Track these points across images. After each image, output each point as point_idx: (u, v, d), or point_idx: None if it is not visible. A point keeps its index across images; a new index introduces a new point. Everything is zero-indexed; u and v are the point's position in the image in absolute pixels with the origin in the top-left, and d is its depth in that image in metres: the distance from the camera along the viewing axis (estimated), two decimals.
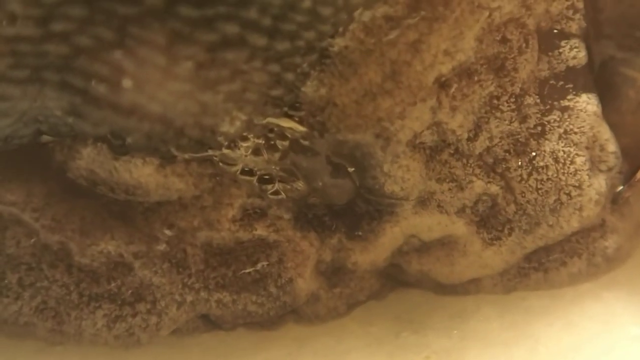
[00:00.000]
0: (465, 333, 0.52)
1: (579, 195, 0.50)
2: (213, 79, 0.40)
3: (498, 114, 0.49)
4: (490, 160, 0.49)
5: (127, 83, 0.39)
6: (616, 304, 0.53)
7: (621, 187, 0.53)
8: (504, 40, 0.48)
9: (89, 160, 0.44)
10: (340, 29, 0.43)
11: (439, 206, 0.49)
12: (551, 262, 0.53)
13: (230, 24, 0.39)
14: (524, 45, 0.48)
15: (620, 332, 0.51)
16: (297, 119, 0.45)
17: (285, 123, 0.45)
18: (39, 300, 0.48)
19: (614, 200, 0.53)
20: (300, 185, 0.48)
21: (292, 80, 0.42)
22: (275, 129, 0.45)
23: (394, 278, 0.55)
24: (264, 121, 0.44)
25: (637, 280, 0.54)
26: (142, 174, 0.45)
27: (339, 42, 0.43)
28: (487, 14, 0.46)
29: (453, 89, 0.47)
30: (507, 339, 0.52)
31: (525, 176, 0.50)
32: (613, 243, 0.53)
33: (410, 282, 0.55)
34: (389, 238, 0.50)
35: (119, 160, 0.44)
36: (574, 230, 0.51)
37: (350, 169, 0.47)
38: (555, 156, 0.50)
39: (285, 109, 0.44)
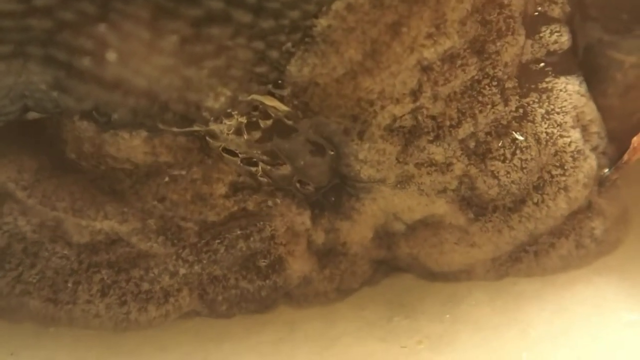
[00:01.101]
0: (457, 317, 0.53)
1: (562, 175, 0.50)
2: (198, 54, 0.40)
3: (480, 98, 0.49)
4: (473, 144, 0.50)
5: (111, 56, 0.40)
6: (607, 289, 0.53)
7: (606, 170, 0.53)
8: (484, 22, 0.48)
9: (76, 133, 0.45)
10: (324, 8, 0.43)
11: (419, 189, 0.50)
12: (540, 245, 0.53)
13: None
14: (503, 27, 0.48)
15: (611, 317, 0.51)
16: (280, 98, 0.46)
17: (269, 101, 0.46)
18: (38, 269, 0.49)
19: (601, 183, 0.53)
20: (285, 168, 0.48)
21: (277, 58, 0.43)
22: (260, 106, 0.46)
23: (387, 264, 0.55)
24: (249, 98, 0.45)
25: (629, 265, 0.54)
26: (130, 145, 0.46)
27: (322, 22, 0.44)
28: None
29: (435, 74, 0.48)
30: (499, 323, 0.52)
31: (509, 156, 0.50)
32: (600, 224, 0.53)
33: (402, 268, 0.55)
34: (370, 215, 0.51)
35: (107, 132, 0.44)
36: (563, 213, 0.52)
37: (331, 152, 0.48)
38: (537, 137, 0.50)
39: (270, 86, 0.44)
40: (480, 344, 0.51)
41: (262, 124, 0.47)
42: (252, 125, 0.47)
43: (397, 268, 0.55)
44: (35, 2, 0.37)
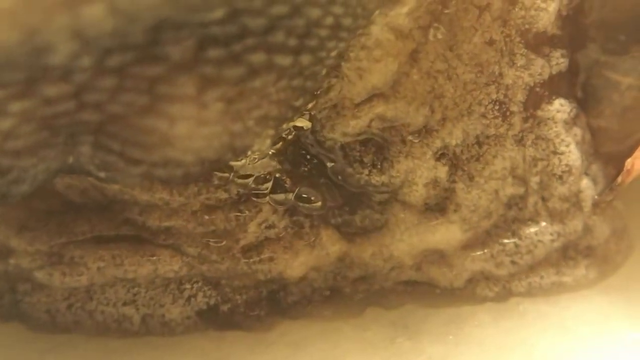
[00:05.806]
0: (460, 338, 0.52)
1: (539, 187, 0.52)
2: (243, 110, 0.38)
3: (484, 121, 0.50)
4: (474, 163, 0.51)
5: (161, 141, 0.37)
6: (611, 309, 0.53)
7: (601, 191, 0.53)
8: (491, 42, 0.49)
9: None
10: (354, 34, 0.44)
11: (424, 203, 0.51)
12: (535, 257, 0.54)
13: (257, 53, 0.37)
14: (504, 48, 0.49)
15: (615, 337, 0.51)
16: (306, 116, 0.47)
17: (300, 122, 0.47)
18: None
19: (596, 204, 0.53)
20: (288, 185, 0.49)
21: (313, 87, 0.42)
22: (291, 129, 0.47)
23: (394, 292, 0.56)
24: (286, 127, 0.46)
25: (632, 285, 0.54)
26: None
27: (350, 49, 0.44)
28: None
29: (447, 100, 0.48)
30: (503, 344, 0.51)
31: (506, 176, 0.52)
32: (585, 241, 0.55)
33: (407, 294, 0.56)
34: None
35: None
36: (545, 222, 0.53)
37: (330, 164, 0.49)
38: (524, 158, 0.51)
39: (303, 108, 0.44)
40: None
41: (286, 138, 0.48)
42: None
43: (401, 294, 0.56)
44: (85, 98, 0.34)
